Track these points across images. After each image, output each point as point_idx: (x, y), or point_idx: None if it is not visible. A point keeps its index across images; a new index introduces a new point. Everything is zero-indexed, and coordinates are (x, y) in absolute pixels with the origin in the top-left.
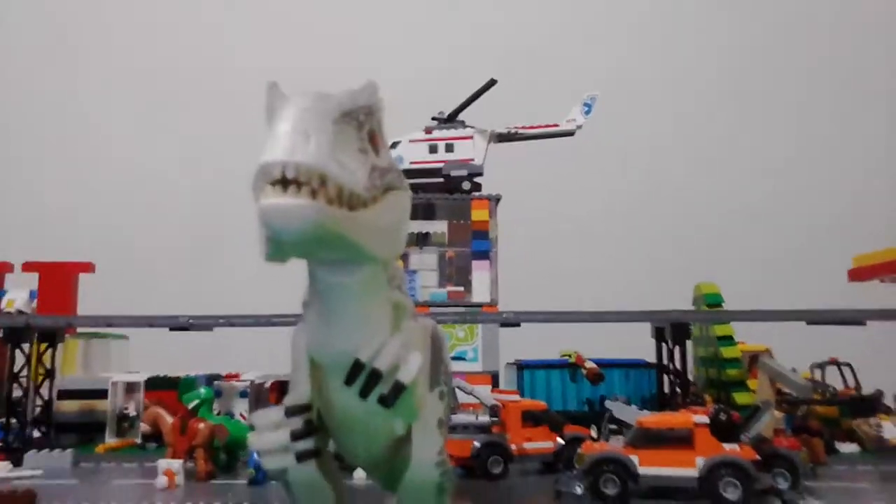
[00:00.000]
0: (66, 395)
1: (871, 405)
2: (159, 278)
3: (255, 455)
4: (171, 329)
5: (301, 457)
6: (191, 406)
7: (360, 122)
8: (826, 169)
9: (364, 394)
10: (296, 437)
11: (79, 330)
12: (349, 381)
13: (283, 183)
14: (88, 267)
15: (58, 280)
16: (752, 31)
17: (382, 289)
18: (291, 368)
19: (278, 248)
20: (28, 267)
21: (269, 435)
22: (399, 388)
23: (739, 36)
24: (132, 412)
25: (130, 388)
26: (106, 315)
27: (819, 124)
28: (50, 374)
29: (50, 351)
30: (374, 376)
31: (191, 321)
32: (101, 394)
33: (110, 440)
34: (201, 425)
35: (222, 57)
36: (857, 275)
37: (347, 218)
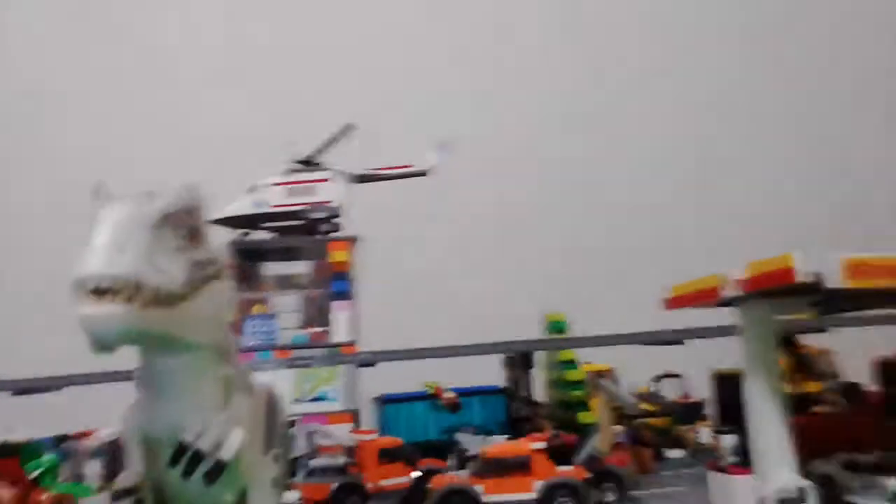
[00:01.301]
0: None
1: (696, 412)
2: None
3: None
4: (14, 394)
5: None
6: (32, 476)
7: (180, 222)
8: (647, 203)
9: (187, 473)
10: (114, 497)
11: None
12: (174, 462)
13: (100, 291)
14: None
15: None
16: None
17: (210, 366)
18: (124, 446)
19: (102, 346)
20: None
21: None
22: (220, 466)
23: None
24: None
25: None
26: None
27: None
28: None
29: None
30: (197, 457)
31: (33, 384)
32: None
33: None
34: (44, 496)
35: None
36: (671, 304)
37: (164, 316)
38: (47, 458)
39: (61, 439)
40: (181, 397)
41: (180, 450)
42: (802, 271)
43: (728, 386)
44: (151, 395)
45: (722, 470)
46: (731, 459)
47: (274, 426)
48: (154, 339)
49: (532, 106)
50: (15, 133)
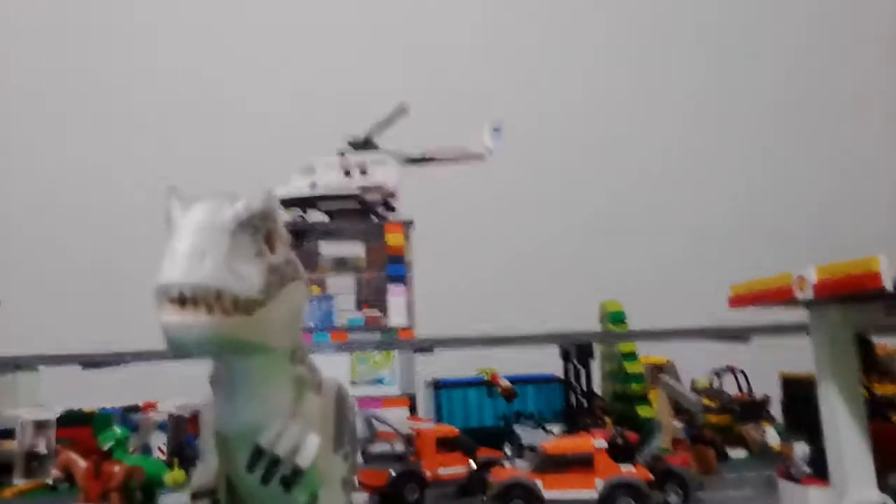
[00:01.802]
0: None
1: (759, 411)
2: (69, 310)
3: (171, 497)
4: (84, 367)
5: None
6: (105, 447)
7: (257, 227)
8: (720, 189)
9: (265, 480)
10: (194, 496)
11: None
12: (251, 467)
13: (181, 300)
14: None
15: None
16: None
17: (284, 366)
18: (201, 443)
19: (181, 352)
20: None
21: None
22: (298, 473)
23: (672, 56)
24: (43, 451)
25: (40, 425)
26: (14, 356)
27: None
28: None
29: None
30: (274, 462)
31: (104, 358)
32: (8, 434)
33: (19, 482)
34: (116, 468)
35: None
36: (735, 302)
37: (244, 322)
38: (119, 430)
39: (130, 410)
40: (256, 399)
41: (257, 454)
42: (889, 276)
43: (797, 390)
44: (225, 396)
45: (795, 479)
46: (804, 469)
47: (343, 424)
48: (233, 346)
49: (599, 87)
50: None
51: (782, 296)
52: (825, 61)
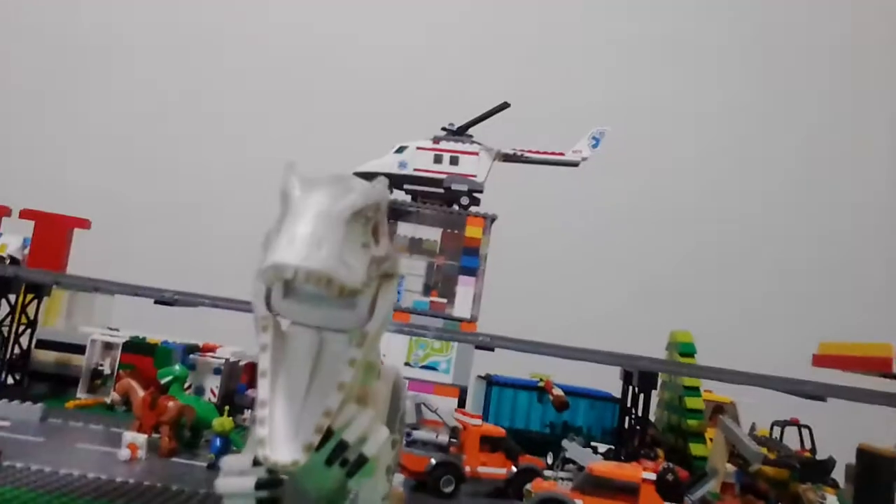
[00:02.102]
0: (44, 345)
1: (821, 472)
2: (153, 242)
3: (217, 442)
4: (156, 302)
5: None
6: (164, 381)
7: (368, 217)
8: (816, 237)
9: (329, 462)
10: (259, 486)
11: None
12: (318, 448)
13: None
14: (84, 223)
15: (52, 232)
16: (766, 71)
17: (360, 355)
18: None
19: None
20: (25, 214)
21: (235, 480)
22: (362, 461)
23: (756, 68)
24: (107, 370)
25: (108, 346)
26: (93, 278)
27: (820, 188)
28: (32, 324)
29: (35, 302)
30: (342, 447)
31: (176, 297)
32: (79, 349)
33: (81, 396)
34: (171, 403)
35: (224, 21)
36: (821, 361)
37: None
38: (179, 368)
39: (190, 349)
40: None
41: (326, 435)
42: None
43: (875, 463)
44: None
45: None
46: None
47: (396, 412)
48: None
49: (697, 107)
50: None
51: (879, 366)
52: None
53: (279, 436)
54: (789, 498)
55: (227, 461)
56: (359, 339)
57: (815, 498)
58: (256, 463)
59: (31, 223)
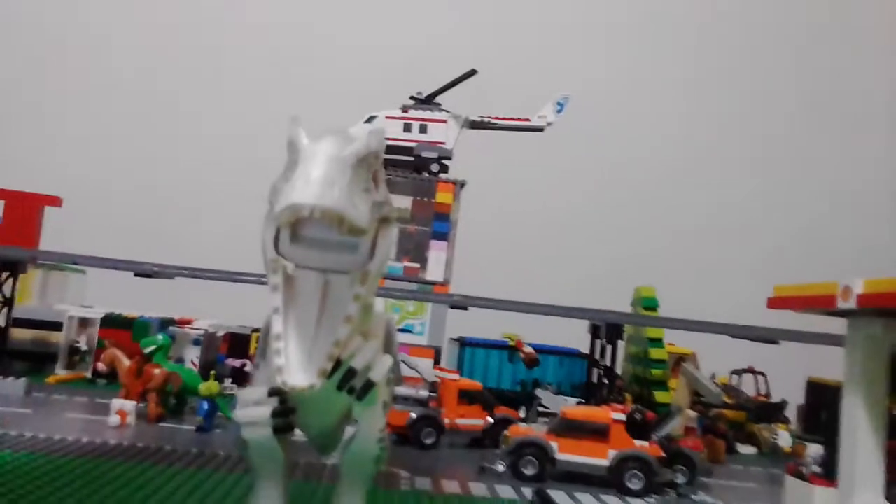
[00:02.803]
0: (20, 323)
1: (774, 413)
2: (127, 218)
3: (205, 405)
4: (136, 275)
5: (277, 431)
6: (147, 351)
7: (370, 164)
8: (782, 193)
9: (340, 387)
10: (275, 414)
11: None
12: (329, 375)
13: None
14: (55, 201)
15: (23, 210)
16: (742, 38)
17: (361, 290)
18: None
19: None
20: None
21: (252, 410)
22: (370, 386)
23: (721, 42)
24: (84, 346)
25: (85, 322)
26: (71, 253)
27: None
28: (8, 302)
29: (10, 280)
30: (351, 373)
31: (155, 269)
32: (56, 326)
33: (60, 372)
34: (157, 371)
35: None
36: (774, 303)
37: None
38: (162, 337)
39: (168, 323)
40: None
41: (335, 365)
42: None
43: (821, 395)
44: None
45: (803, 477)
46: (815, 469)
47: (390, 352)
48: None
49: (671, 79)
50: None
51: (824, 303)
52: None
53: (295, 364)
54: (746, 436)
55: (243, 394)
56: (362, 278)
57: (769, 435)
58: (271, 394)
59: (2, 202)
